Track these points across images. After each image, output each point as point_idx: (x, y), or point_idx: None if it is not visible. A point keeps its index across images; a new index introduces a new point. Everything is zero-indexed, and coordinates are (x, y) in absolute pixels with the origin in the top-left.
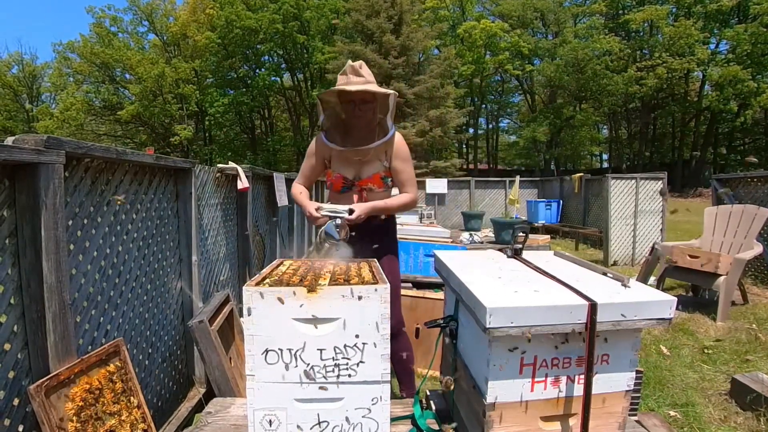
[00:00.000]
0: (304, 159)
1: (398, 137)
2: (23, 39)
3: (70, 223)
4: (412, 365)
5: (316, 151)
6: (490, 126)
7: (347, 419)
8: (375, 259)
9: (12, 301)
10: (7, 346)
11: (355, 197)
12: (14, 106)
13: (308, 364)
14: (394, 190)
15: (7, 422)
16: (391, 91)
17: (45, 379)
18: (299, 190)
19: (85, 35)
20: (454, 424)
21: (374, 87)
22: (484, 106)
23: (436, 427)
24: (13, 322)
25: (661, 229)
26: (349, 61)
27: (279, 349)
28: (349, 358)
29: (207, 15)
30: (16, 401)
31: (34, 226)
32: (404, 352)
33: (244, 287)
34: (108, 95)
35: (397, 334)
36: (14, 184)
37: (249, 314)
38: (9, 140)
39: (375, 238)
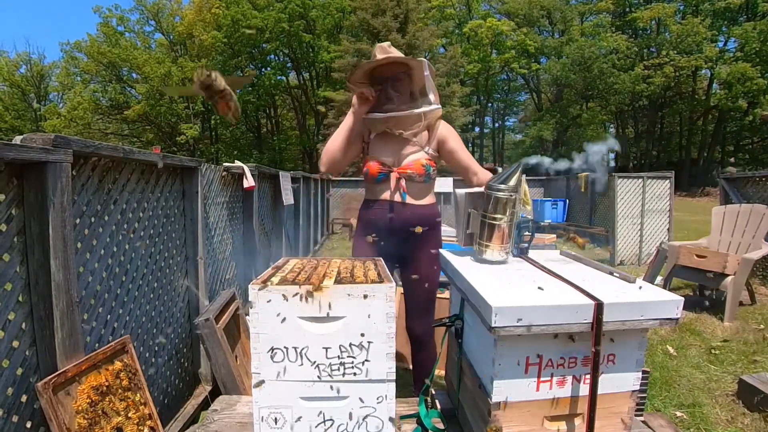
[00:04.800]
0: None
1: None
2: (31, 39)
3: (78, 221)
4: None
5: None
6: (496, 125)
7: (352, 417)
8: (380, 258)
9: (20, 298)
10: (15, 343)
11: (392, 185)
12: (22, 105)
13: (313, 362)
14: (439, 180)
15: (15, 419)
16: (423, 59)
17: (52, 376)
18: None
19: (92, 35)
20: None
21: (403, 57)
22: (490, 104)
23: (441, 426)
24: (21, 320)
25: (668, 229)
26: (378, 43)
27: (284, 347)
28: (354, 357)
29: (213, 14)
30: (24, 398)
31: (42, 224)
32: (428, 361)
33: (249, 285)
34: (115, 94)
35: (424, 343)
36: (22, 183)
37: (255, 312)
38: (17, 139)
39: (427, 239)
